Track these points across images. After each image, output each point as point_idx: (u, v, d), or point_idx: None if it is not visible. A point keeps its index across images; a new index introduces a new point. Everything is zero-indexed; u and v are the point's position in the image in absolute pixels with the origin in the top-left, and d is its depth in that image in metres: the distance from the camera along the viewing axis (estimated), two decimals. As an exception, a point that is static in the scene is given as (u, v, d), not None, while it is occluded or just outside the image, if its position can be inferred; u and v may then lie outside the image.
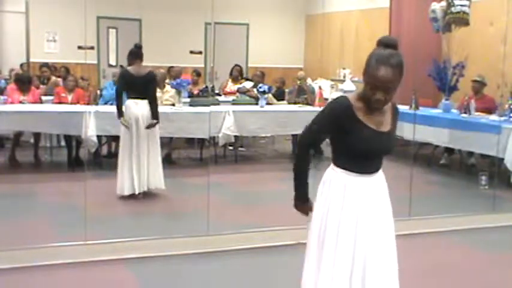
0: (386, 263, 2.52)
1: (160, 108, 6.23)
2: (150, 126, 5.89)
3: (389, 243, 2.56)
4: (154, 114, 5.95)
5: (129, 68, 5.97)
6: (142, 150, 5.83)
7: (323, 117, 2.50)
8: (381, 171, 2.57)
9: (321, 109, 2.62)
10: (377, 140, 2.44)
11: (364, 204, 2.46)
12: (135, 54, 5.96)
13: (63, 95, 7.86)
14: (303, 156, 2.60)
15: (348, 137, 2.41)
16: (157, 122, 5.96)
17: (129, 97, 5.96)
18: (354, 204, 2.45)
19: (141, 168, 5.81)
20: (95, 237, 4.38)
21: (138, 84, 5.89)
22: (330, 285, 2.46)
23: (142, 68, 5.99)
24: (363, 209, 2.46)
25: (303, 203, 2.64)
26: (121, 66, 8.90)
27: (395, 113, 2.56)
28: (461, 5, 7.72)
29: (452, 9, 7.75)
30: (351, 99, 2.44)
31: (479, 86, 7.68)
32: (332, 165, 2.54)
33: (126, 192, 5.82)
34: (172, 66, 9.77)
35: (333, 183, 2.50)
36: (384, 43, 2.40)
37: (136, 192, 5.82)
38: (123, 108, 5.93)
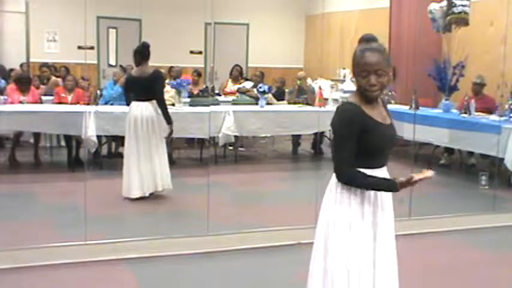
0: (392, 258, 2.58)
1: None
2: (169, 135, 5.97)
3: (393, 238, 2.61)
4: (166, 117, 5.89)
5: (132, 71, 5.95)
6: (144, 152, 5.79)
7: (344, 134, 2.44)
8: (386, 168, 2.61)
9: (333, 126, 2.51)
10: (388, 133, 2.52)
11: (382, 195, 2.53)
12: (142, 54, 5.89)
13: (63, 95, 7.86)
14: (355, 173, 2.45)
15: (366, 136, 2.43)
16: (171, 129, 5.95)
17: (133, 99, 5.95)
18: (374, 196, 2.50)
19: (143, 170, 5.78)
20: (95, 237, 4.38)
21: (140, 86, 5.86)
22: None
23: (148, 68, 5.93)
24: (382, 200, 2.52)
25: (398, 184, 2.47)
26: (121, 66, 8.92)
27: (386, 106, 2.64)
28: (463, 5, 7.73)
29: (454, 9, 7.75)
30: (353, 100, 2.49)
31: (479, 87, 7.69)
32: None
33: (133, 196, 5.79)
34: (172, 66, 9.78)
35: None
36: (365, 39, 2.51)
37: (147, 194, 5.81)
38: (127, 108, 5.95)
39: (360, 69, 2.44)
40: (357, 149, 2.44)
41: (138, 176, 5.78)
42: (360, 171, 2.44)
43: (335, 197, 2.51)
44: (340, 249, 2.48)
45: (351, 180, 2.44)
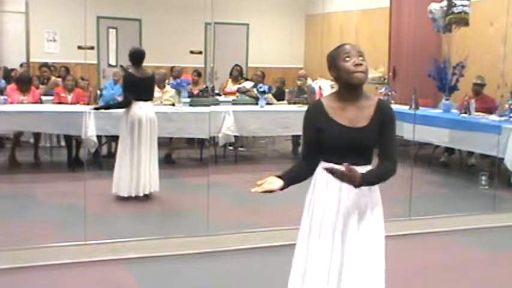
0: (368, 257, 2.53)
1: (161, 108, 6.23)
2: None
3: (374, 239, 2.56)
4: None
5: (131, 71, 5.93)
6: (144, 153, 5.80)
7: (304, 127, 2.61)
8: (368, 168, 2.56)
9: None
10: (348, 136, 2.50)
11: (346, 193, 2.52)
12: (141, 57, 5.91)
13: (63, 95, 7.87)
14: (301, 163, 2.66)
15: (322, 134, 2.52)
16: None
17: (134, 99, 5.91)
18: (336, 193, 2.53)
19: (141, 170, 5.78)
20: (94, 237, 4.38)
21: (145, 87, 5.90)
22: (316, 279, 2.54)
23: (146, 69, 5.97)
24: (345, 199, 2.52)
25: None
26: (121, 66, 8.90)
27: (381, 109, 2.54)
28: (463, 5, 7.73)
29: (454, 9, 7.75)
30: (324, 100, 2.58)
31: (479, 88, 7.70)
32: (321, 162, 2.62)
33: (123, 194, 5.79)
34: (173, 66, 9.80)
35: (318, 175, 2.59)
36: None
37: (133, 195, 5.80)
38: (125, 110, 5.94)
39: (342, 56, 2.47)
40: (322, 145, 2.55)
41: (132, 175, 5.78)
42: (301, 165, 2.63)
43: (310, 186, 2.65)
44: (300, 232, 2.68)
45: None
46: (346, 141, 2.50)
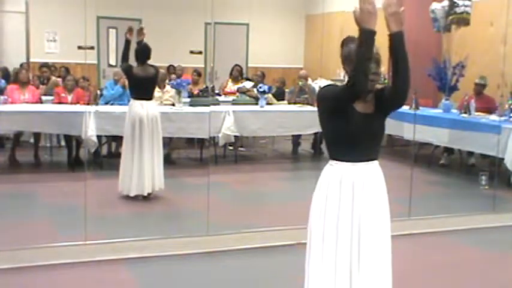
0: (380, 255, 2.55)
1: (161, 108, 6.22)
2: None
3: (384, 236, 2.58)
4: None
5: (134, 69, 5.88)
6: (147, 151, 5.80)
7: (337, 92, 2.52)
8: (376, 164, 2.60)
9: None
10: (363, 123, 2.52)
11: (360, 191, 2.52)
12: (146, 54, 5.90)
13: (63, 95, 7.86)
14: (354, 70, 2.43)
15: (339, 118, 2.50)
16: None
17: (134, 97, 5.94)
18: (350, 192, 2.51)
19: (146, 169, 5.77)
20: (95, 237, 4.38)
21: (146, 86, 5.90)
22: (333, 277, 2.52)
23: (150, 67, 5.95)
24: (359, 196, 2.52)
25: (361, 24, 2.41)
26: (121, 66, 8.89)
27: (376, 92, 2.61)
28: (465, 5, 7.73)
29: (456, 9, 7.76)
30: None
31: (481, 88, 7.70)
32: (329, 162, 2.61)
33: (130, 193, 5.79)
34: (170, 65, 9.83)
35: (329, 175, 2.58)
36: (351, 39, 2.59)
37: (145, 194, 5.81)
38: (128, 109, 5.94)
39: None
40: (332, 138, 2.57)
41: (140, 174, 5.77)
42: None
43: (318, 188, 2.60)
44: (314, 228, 2.57)
45: (357, 71, 2.37)
46: (362, 129, 2.51)
